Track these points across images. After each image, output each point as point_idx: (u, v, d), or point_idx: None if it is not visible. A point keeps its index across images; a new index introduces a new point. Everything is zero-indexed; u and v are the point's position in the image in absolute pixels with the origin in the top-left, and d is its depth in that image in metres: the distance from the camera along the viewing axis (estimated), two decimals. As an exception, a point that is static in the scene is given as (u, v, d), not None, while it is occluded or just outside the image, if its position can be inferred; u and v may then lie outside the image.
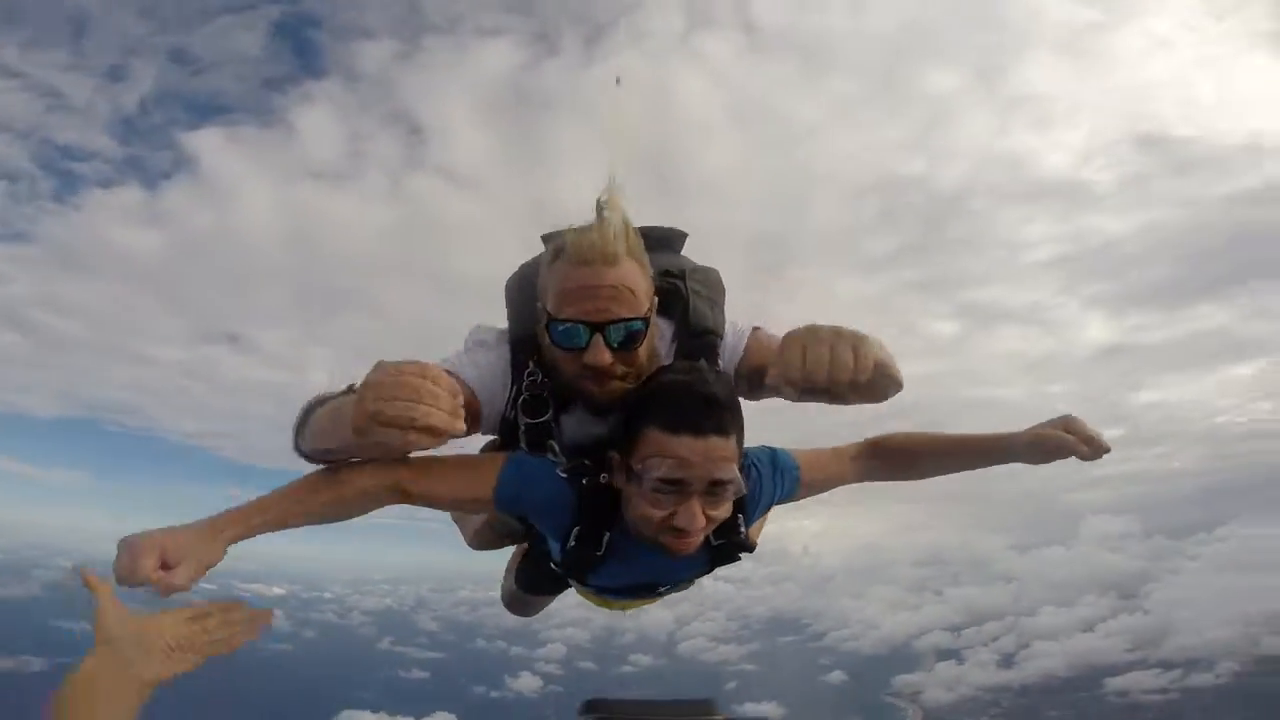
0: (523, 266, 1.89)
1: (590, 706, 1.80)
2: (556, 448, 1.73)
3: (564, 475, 1.64)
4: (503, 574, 2.58)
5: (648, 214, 1.99)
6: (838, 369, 1.39)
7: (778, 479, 1.80)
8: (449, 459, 1.69)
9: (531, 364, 1.70)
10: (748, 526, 1.75)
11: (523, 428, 1.72)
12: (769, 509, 1.85)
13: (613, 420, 1.62)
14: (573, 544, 1.68)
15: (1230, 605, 59.39)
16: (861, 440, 1.97)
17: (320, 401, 1.55)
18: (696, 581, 2.07)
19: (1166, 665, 56.45)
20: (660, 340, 1.76)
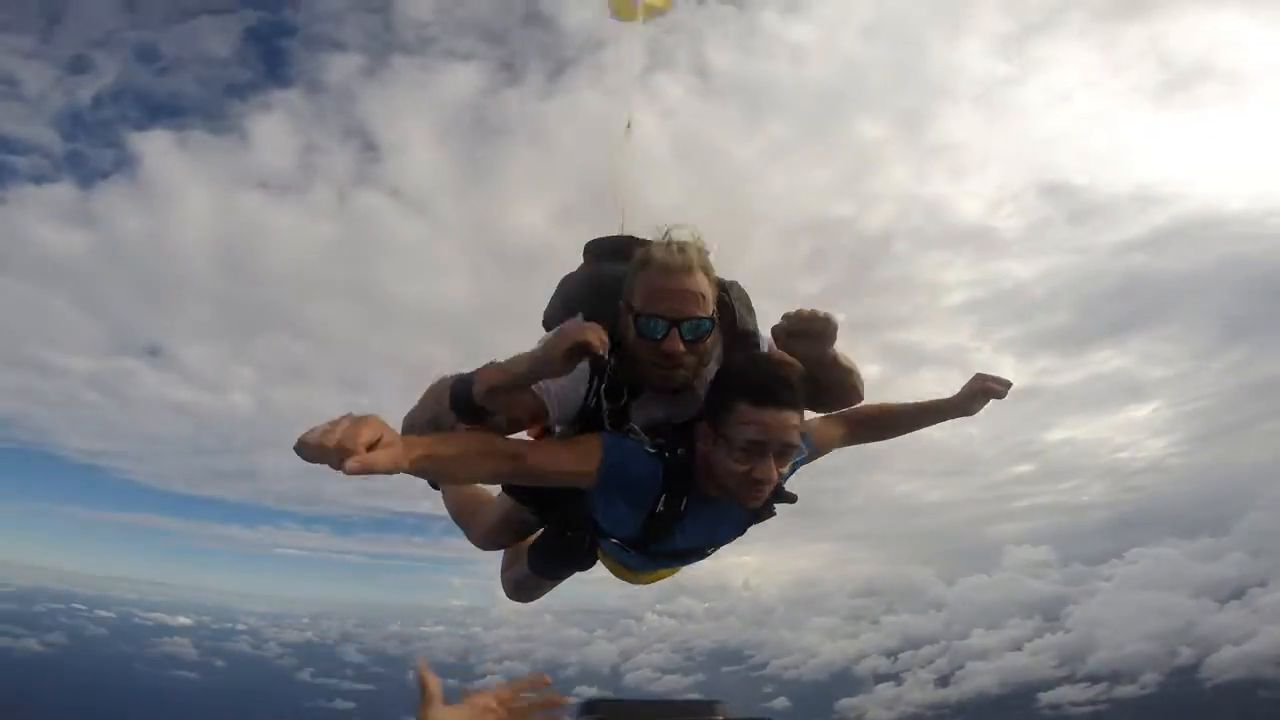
0: (579, 281, 2.34)
1: (589, 707, 1.87)
2: (636, 428, 2.01)
3: (652, 450, 1.97)
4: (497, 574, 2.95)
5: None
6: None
7: (804, 443, 2.13)
8: (554, 440, 2.11)
9: (610, 358, 1.94)
10: (784, 482, 2.10)
11: (606, 411, 2.01)
12: (797, 469, 2.21)
13: (704, 397, 1.99)
14: (661, 509, 2.01)
15: (1145, 622, 62.72)
16: (841, 413, 2.46)
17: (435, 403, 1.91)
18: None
19: (1093, 679, 58.75)
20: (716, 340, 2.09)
